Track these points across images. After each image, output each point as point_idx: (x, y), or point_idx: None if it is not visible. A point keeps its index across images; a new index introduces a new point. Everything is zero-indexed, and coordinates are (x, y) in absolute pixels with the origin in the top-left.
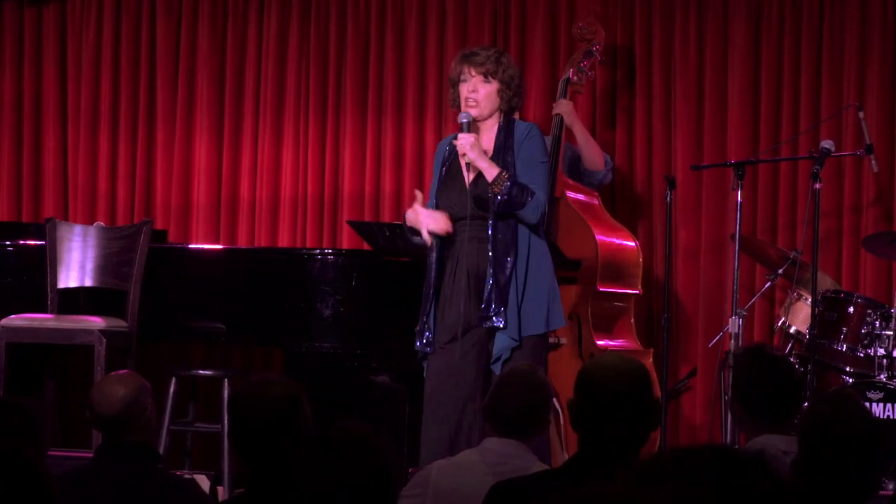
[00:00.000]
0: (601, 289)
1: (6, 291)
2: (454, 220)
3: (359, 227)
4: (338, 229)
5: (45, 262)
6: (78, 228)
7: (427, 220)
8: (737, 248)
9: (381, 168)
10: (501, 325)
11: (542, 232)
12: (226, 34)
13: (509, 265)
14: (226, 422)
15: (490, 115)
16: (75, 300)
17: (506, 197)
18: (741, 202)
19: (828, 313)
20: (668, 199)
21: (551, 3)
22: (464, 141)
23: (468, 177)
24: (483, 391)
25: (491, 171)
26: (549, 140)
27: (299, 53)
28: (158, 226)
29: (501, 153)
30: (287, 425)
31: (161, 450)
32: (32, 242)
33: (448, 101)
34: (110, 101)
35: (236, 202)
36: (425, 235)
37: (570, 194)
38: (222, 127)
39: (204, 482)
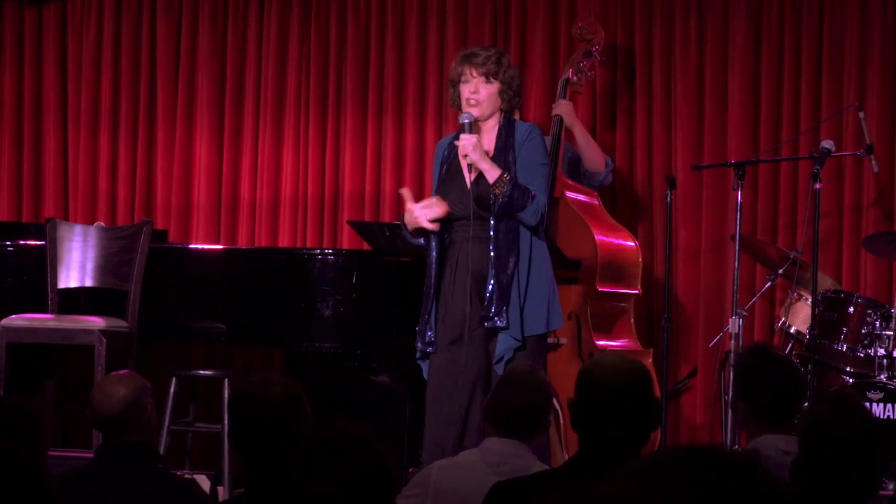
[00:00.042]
0: (601, 289)
1: (6, 291)
2: (454, 219)
3: (359, 227)
4: (338, 229)
5: (46, 262)
6: (78, 228)
7: (423, 213)
8: (737, 248)
9: (381, 168)
10: (504, 326)
11: (542, 233)
12: (226, 34)
13: (511, 265)
14: (226, 422)
15: (491, 116)
16: (75, 300)
17: (506, 199)
18: (741, 202)
19: (828, 313)
20: (669, 199)
21: (551, 3)
22: (466, 142)
23: (469, 177)
24: (484, 391)
25: (492, 173)
26: (548, 140)
27: (300, 53)
28: (159, 226)
29: (502, 153)
30: (287, 425)
31: (161, 450)
32: (33, 242)
33: (448, 102)
34: (111, 101)
35: (237, 202)
36: (429, 226)
37: (569, 194)
38: (223, 127)
39: (204, 482)
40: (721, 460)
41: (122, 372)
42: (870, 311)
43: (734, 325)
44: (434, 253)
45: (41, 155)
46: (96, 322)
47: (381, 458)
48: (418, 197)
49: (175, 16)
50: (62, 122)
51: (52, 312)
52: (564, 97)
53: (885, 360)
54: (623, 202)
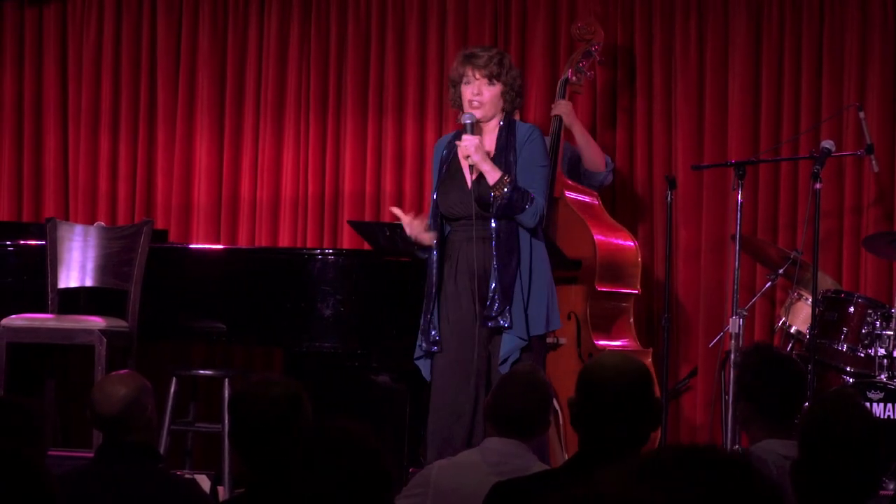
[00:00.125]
0: (600, 289)
1: (7, 291)
2: (454, 219)
3: (359, 227)
4: (338, 229)
5: (46, 261)
6: (78, 228)
7: (410, 230)
8: (737, 248)
9: (381, 168)
10: (507, 325)
11: (540, 233)
12: (226, 34)
13: (513, 265)
14: (226, 422)
15: (493, 117)
16: (76, 300)
17: (506, 201)
18: (742, 202)
19: (828, 313)
20: (669, 199)
21: (552, 3)
22: (468, 143)
23: (470, 177)
24: (485, 391)
25: (493, 175)
26: (547, 141)
27: (300, 53)
28: (159, 226)
29: (503, 153)
30: (287, 425)
31: (162, 450)
32: (33, 242)
33: (448, 102)
34: (111, 101)
35: (237, 202)
36: (427, 241)
37: (568, 194)
38: (223, 127)
39: (204, 482)
40: (720, 460)
41: (122, 372)
42: (870, 311)
43: (734, 325)
44: (435, 253)
45: (41, 155)
46: (96, 322)
47: (380, 458)
48: (418, 197)
49: (175, 16)
50: (62, 121)
51: (52, 312)
52: (564, 97)
53: (885, 360)
54: (623, 202)
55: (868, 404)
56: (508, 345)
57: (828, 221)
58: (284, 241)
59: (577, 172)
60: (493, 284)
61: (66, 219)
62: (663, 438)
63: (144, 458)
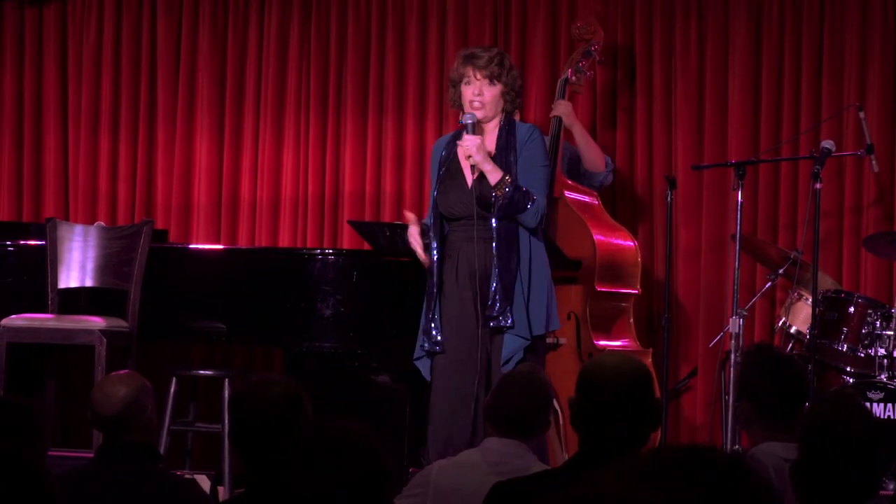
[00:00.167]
0: (600, 289)
1: (7, 291)
2: (454, 219)
3: (359, 226)
4: (338, 229)
5: (46, 261)
6: (78, 228)
7: (414, 246)
8: (737, 247)
9: (381, 168)
10: (508, 325)
11: (540, 234)
12: (226, 34)
13: (513, 264)
14: (226, 422)
15: (494, 117)
16: (76, 300)
17: (507, 200)
18: (742, 202)
19: (828, 313)
20: (669, 198)
21: (552, 3)
22: (470, 143)
23: (471, 177)
24: (485, 391)
25: (494, 175)
26: (547, 141)
27: (300, 53)
28: (159, 226)
29: (504, 153)
30: (287, 425)
31: (162, 450)
32: (33, 242)
33: (448, 102)
34: (111, 101)
35: (237, 202)
36: (424, 259)
37: (568, 194)
38: (223, 127)
39: (204, 482)
40: (718, 461)
41: (122, 372)
42: (870, 311)
43: (734, 324)
44: (436, 253)
45: (41, 155)
46: (96, 322)
47: (380, 458)
48: (418, 197)
49: (175, 16)
50: (62, 121)
51: (52, 312)
52: (563, 97)
53: (885, 360)
54: (623, 202)
55: (868, 404)
56: (511, 345)
57: (828, 221)
58: (284, 241)
59: (577, 172)
60: (494, 284)
61: (66, 219)
62: (663, 438)
63: (144, 458)
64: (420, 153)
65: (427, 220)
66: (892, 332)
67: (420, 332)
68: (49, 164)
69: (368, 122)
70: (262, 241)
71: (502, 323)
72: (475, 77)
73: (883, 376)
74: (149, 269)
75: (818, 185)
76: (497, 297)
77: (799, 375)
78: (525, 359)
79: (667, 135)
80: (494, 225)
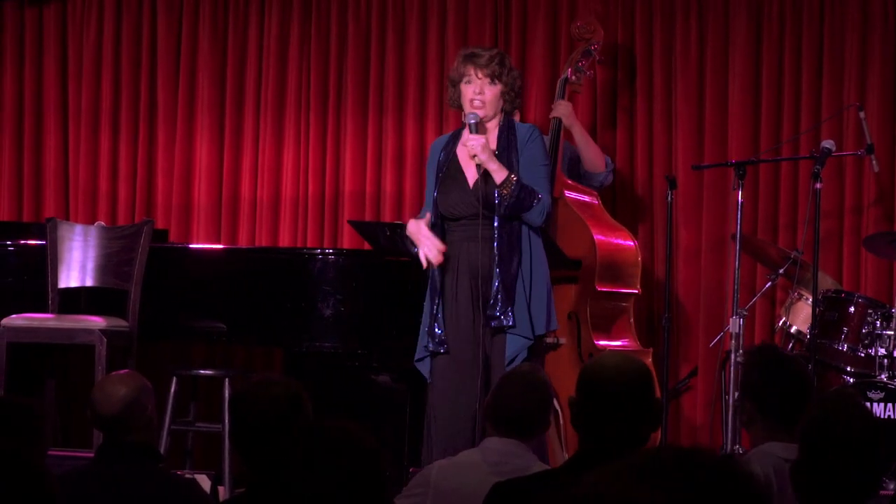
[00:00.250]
0: (600, 289)
1: (7, 291)
2: (454, 219)
3: (360, 226)
4: (338, 229)
5: (46, 261)
6: (79, 228)
7: (427, 244)
8: (737, 247)
9: (381, 168)
10: (510, 325)
11: (539, 233)
12: (227, 34)
13: (514, 264)
14: (227, 421)
15: (494, 117)
16: (76, 300)
17: (514, 199)
18: (742, 202)
19: (828, 313)
20: (669, 198)
21: (552, 2)
22: (475, 142)
23: (472, 177)
24: (485, 391)
25: (500, 174)
26: (547, 140)
27: (300, 53)
28: (159, 225)
29: (505, 154)
30: (287, 425)
31: (162, 449)
32: (33, 242)
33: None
34: (111, 101)
35: (237, 202)
36: (421, 257)
37: (568, 194)
38: (223, 127)
39: (205, 482)
40: (717, 462)
41: (122, 372)
42: (870, 311)
43: (735, 324)
44: None
45: (42, 155)
46: (97, 322)
47: (379, 458)
48: (418, 197)
49: (175, 16)
50: (63, 121)
51: (52, 312)
52: (563, 97)
53: (885, 360)
54: (623, 202)
55: (868, 404)
56: (515, 345)
57: (828, 221)
58: (284, 241)
59: (577, 172)
60: (496, 284)
61: (67, 219)
62: (663, 438)
63: (145, 458)
64: (420, 153)
65: (431, 217)
66: (892, 332)
67: (423, 332)
68: (49, 164)
69: (368, 122)
70: (263, 241)
71: (504, 323)
72: (476, 76)
73: (883, 376)
74: (149, 269)
75: (818, 185)
76: (498, 296)
77: (801, 376)
78: (528, 359)
79: (667, 135)
80: (497, 224)
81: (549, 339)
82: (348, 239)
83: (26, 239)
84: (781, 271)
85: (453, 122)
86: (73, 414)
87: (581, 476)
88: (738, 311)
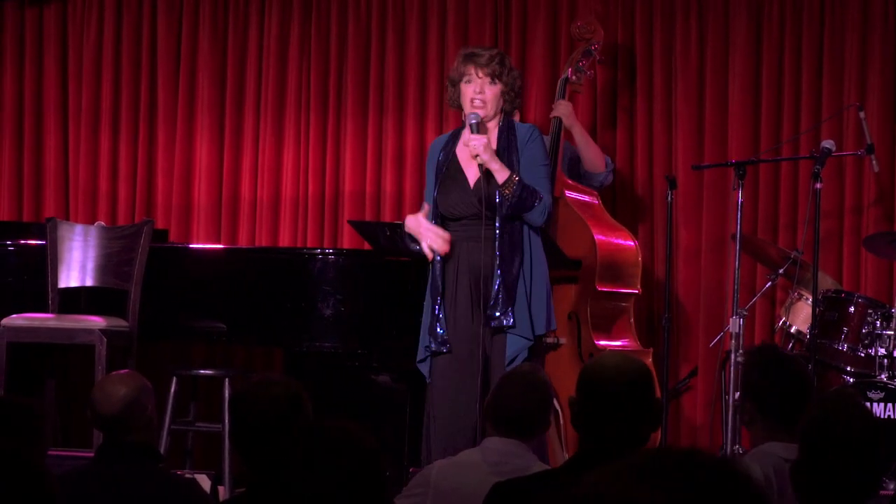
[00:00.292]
0: (600, 289)
1: (7, 291)
2: (454, 219)
3: (360, 226)
4: (339, 229)
5: (46, 261)
6: (79, 228)
7: (430, 236)
8: (737, 247)
9: (381, 168)
10: (510, 325)
11: (539, 232)
12: (227, 34)
13: (516, 265)
14: (227, 421)
15: (494, 117)
16: (76, 300)
17: (516, 199)
18: (742, 202)
19: (828, 313)
20: (669, 198)
21: (552, 3)
22: (477, 142)
23: (473, 177)
24: (484, 391)
25: (502, 174)
26: (547, 140)
27: (300, 53)
28: (159, 225)
29: (506, 153)
30: (287, 425)
31: (162, 449)
32: (33, 242)
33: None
34: (111, 101)
35: (237, 202)
36: (426, 249)
37: (568, 194)
38: (223, 127)
39: (205, 482)
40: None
41: (122, 371)
42: (870, 311)
43: (735, 324)
44: (438, 254)
45: (42, 154)
46: (97, 322)
47: (379, 458)
48: (418, 197)
49: (175, 16)
50: (63, 121)
51: (52, 312)
52: (563, 97)
53: (885, 360)
54: (623, 202)
55: (868, 404)
56: (515, 345)
57: (828, 221)
58: (284, 241)
59: (578, 172)
60: (497, 284)
61: (67, 218)
62: (663, 438)
63: (145, 458)
64: (420, 153)
65: (428, 209)
66: (892, 332)
67: (424, 332)
68: (49, 164)
69: (368, 122)
70: (263, 241)
71: (504, 323)
72: (477, 75)
73: (883, 376)
74: (149, 269)
75: (818, 185)
76: (499, 296)
77: (802, 376)
78: (526, 358)
79: (667, 135)
80: (498, 224)
81: (549, 339)
82: (348, 239)
83: (26, 239)
84: (781, 271)
85: (453, 122)
86: (73, 414)
87: (581, 476)
88: (738, 311)
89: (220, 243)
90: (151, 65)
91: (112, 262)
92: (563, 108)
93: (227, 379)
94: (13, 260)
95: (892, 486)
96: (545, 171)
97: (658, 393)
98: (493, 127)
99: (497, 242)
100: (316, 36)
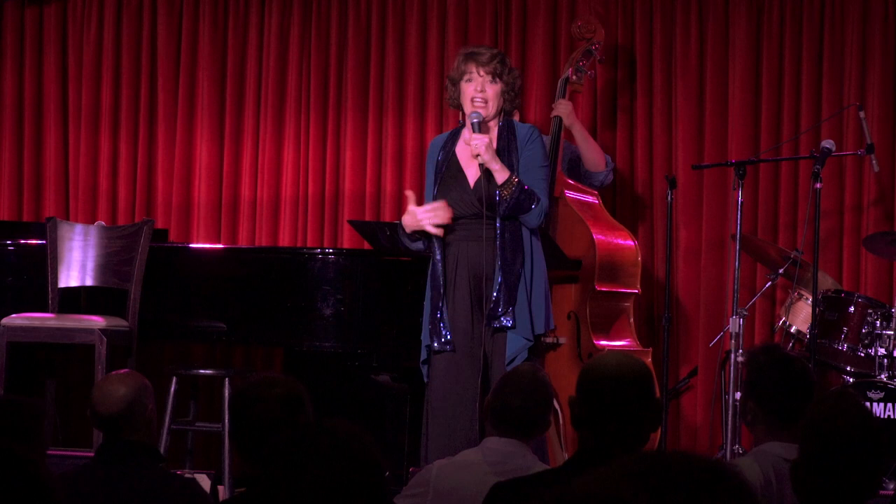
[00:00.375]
0: (599, 288)
1: (7, 290)
2: (454, 218)
3: (360, 226)
4: (339, 229)
5: (46, 261)
6: (79, 228)
7: (427, 216)
8: (737, 247)
9: (381, 167)
10: (510, 325)
11: (538, 233)
12: (227, 34)
13: (517, 265)
14: (227, 421)
15: (495, 116)
16: (76, 299)
17: (514, 200)
18: (742, 202)
19: (828, 313)
20: (669, 198)
21: (552, 3)
22: (479, 142)
23: (473, 176)
24: (484, 391)
25: (502, 174)
26: (547, 140)
27: (300, 53)
28: (159, 225)
29: (506, 154)
30: (288, 425)
31: (162, 449)
32: (33, 242)
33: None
34: (111, 101)
35: (237, 202)
36: (433, 230)
37: (568, 194)
38: (223, 126)
39: (205, 481)
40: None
41: (122, 371)
42: (870, 311)
43: (735, 324)
44: (439, 253)
45: (42, 154)
46: (97, 321)
47: (378, 459)
48: (419, 197)
49: (176, 16)
50: (63, 121)
51: (52, 312)
52: (564, 96)
53: (885, 360)
54: (623, 202)
55: (868, 404)
56: (515, 345)
57: (828, 221)
58: (284, 241)
59: (578, 172)
60: (498, 284)
61: (67, 218)
62: (663, 438)
63: (145, 457)
64: (420, 153)
65: (415, 197)
66: (892, 332)
67: (426, 333)
68: (49, 164)
69: (368, 121)
70: (263, 241)
71: (504, 323)
72: (478, 73)
73: (883, 376)
74: (149, 269)
75: (818, 185)
76: (500, 297)
77: (802, 376)
78: (526, 358)
79: (667, 134)
80: (499, 224)
81: (549, 339)
82: (348, 239)
83: (26, 238)
84: (781, 271)
85: (453, 122)
86: (73, 414)
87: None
88: (738, 310)
89: (220, 243)
90: (151, 64)
91: (112, 261)
92: (563, 108)
93: (226, 379)
94: (13, 259)
95: (892, 486)
96: (544, 173)
97: (658, 393)
98: (493, 126)
99: (498, 242)
100: (316, 36)
